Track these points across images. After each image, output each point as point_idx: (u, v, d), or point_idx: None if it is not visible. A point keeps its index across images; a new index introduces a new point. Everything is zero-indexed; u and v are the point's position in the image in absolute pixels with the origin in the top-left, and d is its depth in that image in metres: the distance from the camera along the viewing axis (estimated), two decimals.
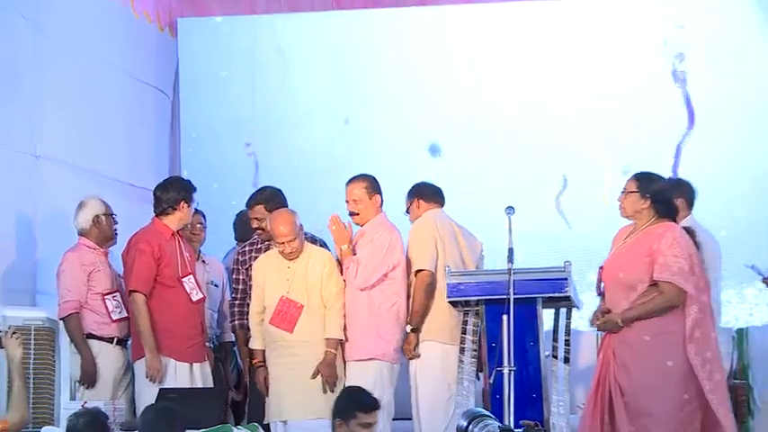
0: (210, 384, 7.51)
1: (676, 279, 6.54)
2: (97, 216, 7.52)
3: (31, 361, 7.05)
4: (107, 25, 9.33)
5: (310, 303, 7.20)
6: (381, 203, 7.52)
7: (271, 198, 7.69)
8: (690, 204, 7.41)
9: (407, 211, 7.68)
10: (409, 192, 7.70)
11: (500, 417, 6.37)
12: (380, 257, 7.31)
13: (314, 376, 7.12)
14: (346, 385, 7.17)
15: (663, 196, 6.77)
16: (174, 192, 7.49)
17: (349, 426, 5.68)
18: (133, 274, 7.28)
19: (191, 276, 7.44)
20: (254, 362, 7.40)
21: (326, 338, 7.17)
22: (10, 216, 7.94)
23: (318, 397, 7.09)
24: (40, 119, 8.29)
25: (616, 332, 6.69)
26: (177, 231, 7.49)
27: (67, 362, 7.37)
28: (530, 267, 7.15)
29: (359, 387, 6.16)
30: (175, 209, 7.45)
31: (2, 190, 7.81)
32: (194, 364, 7.38)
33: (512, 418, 6.39)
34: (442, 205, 7.63)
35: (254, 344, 7.36)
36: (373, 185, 7.50)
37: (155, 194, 7.57)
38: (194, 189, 7.63)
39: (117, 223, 7.63)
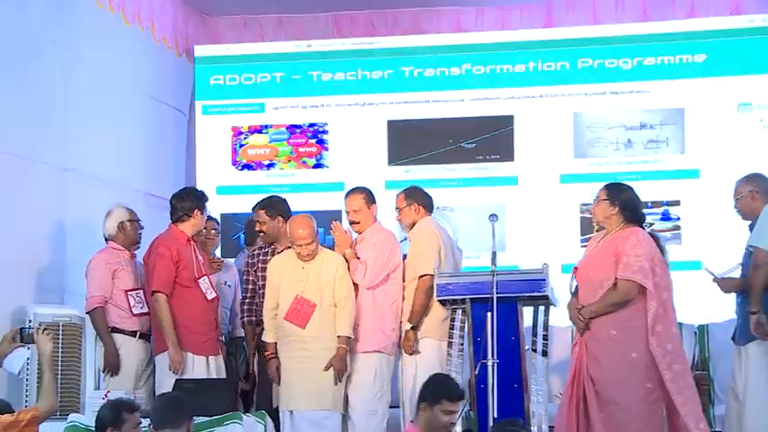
0: (223, 375, 7.54)
1: (636, 276, 6.59)
2: (122, 222, 7.62)
3: (60, 354, 7.12)
4: (130, 51, 9.41)
5: (322, 302, 7.22)
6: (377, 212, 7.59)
7: (273, 204, 7.74)
8: None
9: (398, 209, 7.64)
10: (408, 193, 7.66)
11: (484, 405, 6.52)
12: (384, 259, 7.40)
13: (327, 369, 7.11)
14: (352, 376, 7.25)
15: (630, 204, 6.85)
16: (188, 201, 7.57)
17: (433, 411, 5.67)
18: (155, 276, 7.34)
19: (205, 278, 7.49)
20: (266, 354, 7.37)
21: (339, 335, 7.17)
22: (42, 222, 8.04)
23: (328, 389, 7.14)
24: (69, 135, 8.38)
25: (584, 331, 6.76)
26: (192, 237, 7.55)
27: (92, 355, 7.53)
28: (511, 269, 7.22)
29: (447, 376, 6.17)
30: (190, 216, 7.52)
31: (35, 199, 7.92)
32: (210, 357, 7.43)
33: (495, 407, 6.46)
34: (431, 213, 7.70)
35: (267, 337, 7.37)
36: (370, 196, 7.56)
37: (171, 203, 7.65)
38: (206, 198, 7.73)
39: (142, 228, 7.73)
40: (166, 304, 7.29)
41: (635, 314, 6.64)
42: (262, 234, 7.79)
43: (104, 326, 7.38)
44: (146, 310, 7.50)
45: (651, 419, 6.59)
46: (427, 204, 7.67)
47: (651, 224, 7.02)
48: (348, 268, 7.36)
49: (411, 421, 5.94)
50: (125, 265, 7.56)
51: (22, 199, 7.78)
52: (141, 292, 7.55)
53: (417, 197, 7.65)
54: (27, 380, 7.13)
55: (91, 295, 7.42)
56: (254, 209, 7.84)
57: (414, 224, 7.58)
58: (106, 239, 7.66)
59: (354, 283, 7.36)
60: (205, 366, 7.39)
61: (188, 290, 7.42)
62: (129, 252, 7.68)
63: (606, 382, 6.68)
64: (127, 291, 7.49)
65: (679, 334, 6.72)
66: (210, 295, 7.51)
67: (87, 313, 7.44)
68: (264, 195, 8.01)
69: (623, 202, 6.84)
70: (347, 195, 7.65)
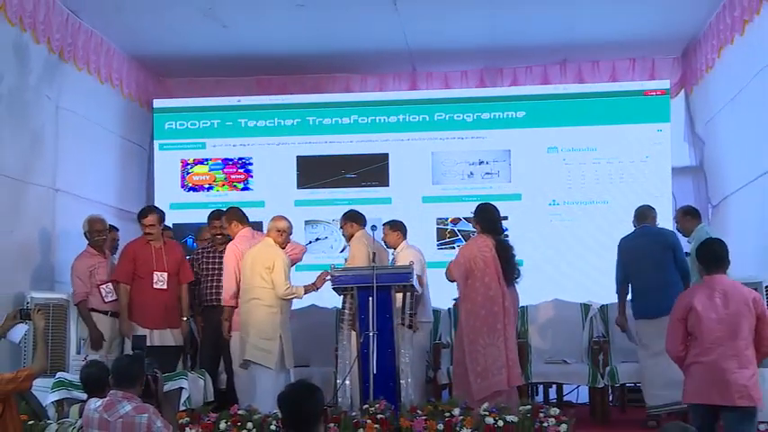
0: (167, 344, 7.26)
1: (451, 265, 6.75)
2: (84, 233, 7.49)
3: (50, 328, 7.00)
4: (104, 102, 9.33)
5: None
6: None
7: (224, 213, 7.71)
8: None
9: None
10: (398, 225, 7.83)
11: (367, 364, 6.49)
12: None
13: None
14: None
15: (482, 219, 6.91)
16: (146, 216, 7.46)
17: None
18: (117, 270, 7.35)
19: (157, 272, 7.34)
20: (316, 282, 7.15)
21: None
22: (37, 229, 7.94)
23: None
24: (58, 164, 8.29)
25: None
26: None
27: (75, 328, 7.38)
28: (386, 266, 7.22)
29: None
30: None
31: (31, 212, 7.82)
32: (154, 330, 7.25)
33: (375, 365, 6.49)
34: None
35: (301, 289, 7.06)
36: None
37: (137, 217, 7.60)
38: (163, 214, 7.65)
39: (104, 237, 7.49)
40: (125, 291, 7.25)
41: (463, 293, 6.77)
42: (219, 236, 7.71)
43: (87, 312, 7.27)
44: (115, 297, 7.36)
45: None
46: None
47: None
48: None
49: None
50: (99, 265, 7.41)
51: (21, 212, 7.67)
52: (111, 284, 7.38)
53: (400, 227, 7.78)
54: (25, 347, 7.00)
55: (76, 292, 7.32)
56: (215, 218, 7.79)
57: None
58: None
59: None
60: (149, 336, 7.10)
61: (143, 280, 7.31)
62: (102, 254, 7.52)
63: (455, 347, 6.83)
64: (98, 285, 7.34)
65: (483, 314, 6.62)
66: (160, 286, 7.33)
67: (75, 305, 7.33)
68: (208, 210, 8.03)
69: (478, 217, 6.94)
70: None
